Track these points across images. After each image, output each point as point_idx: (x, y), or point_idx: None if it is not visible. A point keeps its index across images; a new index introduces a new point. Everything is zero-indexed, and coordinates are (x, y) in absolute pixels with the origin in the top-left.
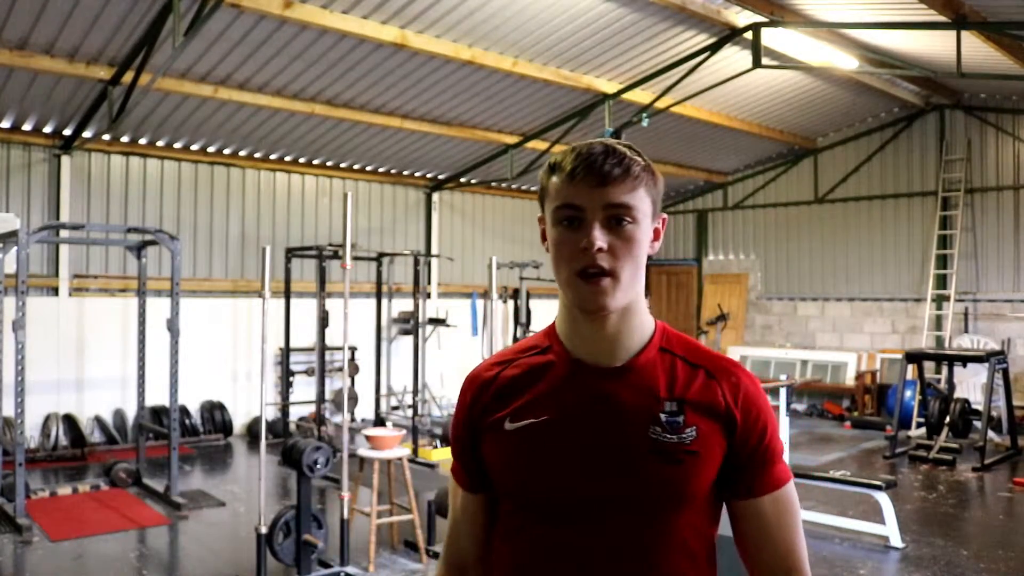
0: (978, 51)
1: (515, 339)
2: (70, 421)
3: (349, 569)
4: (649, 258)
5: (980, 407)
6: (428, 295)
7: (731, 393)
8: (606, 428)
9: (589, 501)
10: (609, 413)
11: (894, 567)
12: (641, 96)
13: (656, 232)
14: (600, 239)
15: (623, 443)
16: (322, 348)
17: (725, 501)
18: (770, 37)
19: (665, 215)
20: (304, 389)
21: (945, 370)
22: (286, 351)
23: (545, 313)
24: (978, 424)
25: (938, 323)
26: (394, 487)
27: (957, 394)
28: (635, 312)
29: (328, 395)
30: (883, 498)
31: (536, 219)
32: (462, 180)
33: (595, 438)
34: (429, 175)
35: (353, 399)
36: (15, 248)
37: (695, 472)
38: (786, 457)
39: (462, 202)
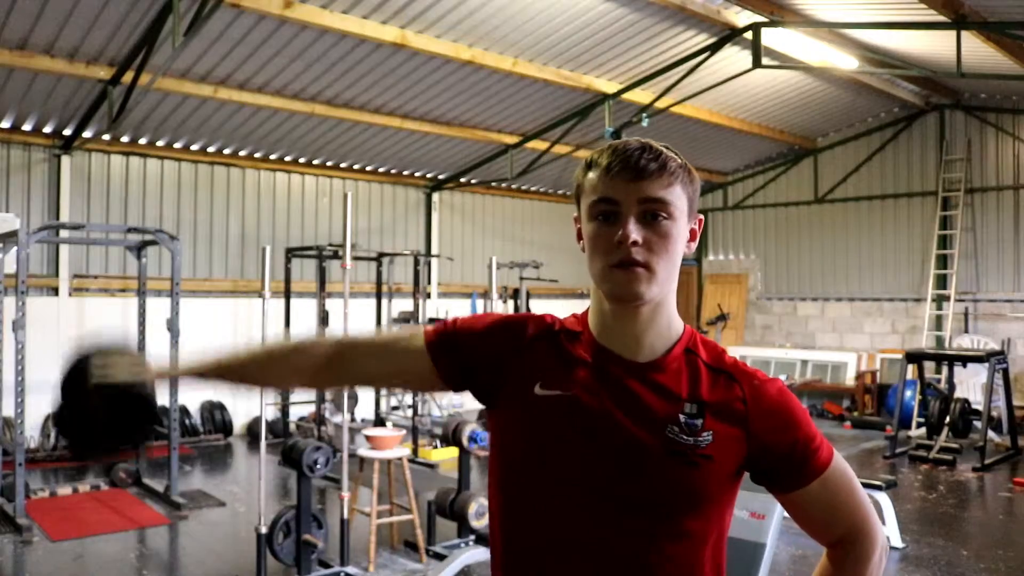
0: (978, 51)
1: None
2: None
3: (349, 569)
4: (685, 258)
5: (980, 407)
6: (428, 295)
7: (752, 399)
8: (625, 422)
9: (599, 494)
10: (630, 407)
11: (894, 567)
12: (641, 96)
13: (692, 232)
14: (635, 232)
15: (640, 440)
16: None
17: (773, 495)
18: (770, 37)
19: (702, 216)
20: None
21: (945, 370)
22: None
23: None
24: (978, 424)
25: (938, 323)
26: (394, 487)
27: (957, 394)
28: (665, 312)
29: (328, 395)
30: (883, 498)
31: (572, 218)
32: (462, 180)
33: (613, 430)
34: (429, 175)
35: (353, 399)
36: (15, 248)
37: (708, 476)
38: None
39: (462, 202)
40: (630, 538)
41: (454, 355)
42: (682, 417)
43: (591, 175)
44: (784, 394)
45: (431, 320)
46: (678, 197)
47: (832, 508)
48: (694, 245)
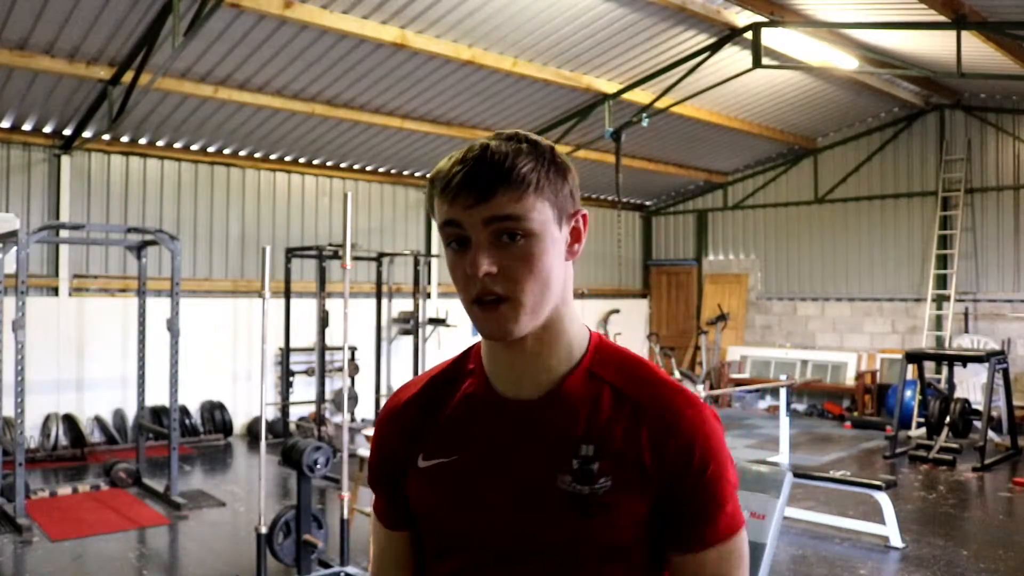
0: (978, 51)
1: None
2: (70, 421)
3: (349, 569)
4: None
5: (980, 407)
6: (428, 295)
7: (659, 435)
8: (515, 473)
9: (500, 553)
10: (520, 455)
11: (894, 567)
12: (641, 96)
13: (575, 233)
14: (486, 262)
15: (531, 491)
16: (322, 348)
17: (669, 558)
18: (770, 37)
19: (584, 211)
20: (304, 389)
21: (945, 370)
22: (286, 351)
23: None
24: (978, 424)
25: (938, 323)
26: None
27: (957, 394)
28: (558, 330)
29: (328, 395)
30: (883, 498)
31: None
32: None
33: (503, 483)
34: (429, 175)
35: (353, 399)
36: (15, 248)
37: (609, 526)
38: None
39: None
40: None
41: (390, 495)
42: (575, 463)
43: (436, 193)
44: (702, 422)
45: (432, 320)
46: (535, 208)
47: None
48: (580, 247)
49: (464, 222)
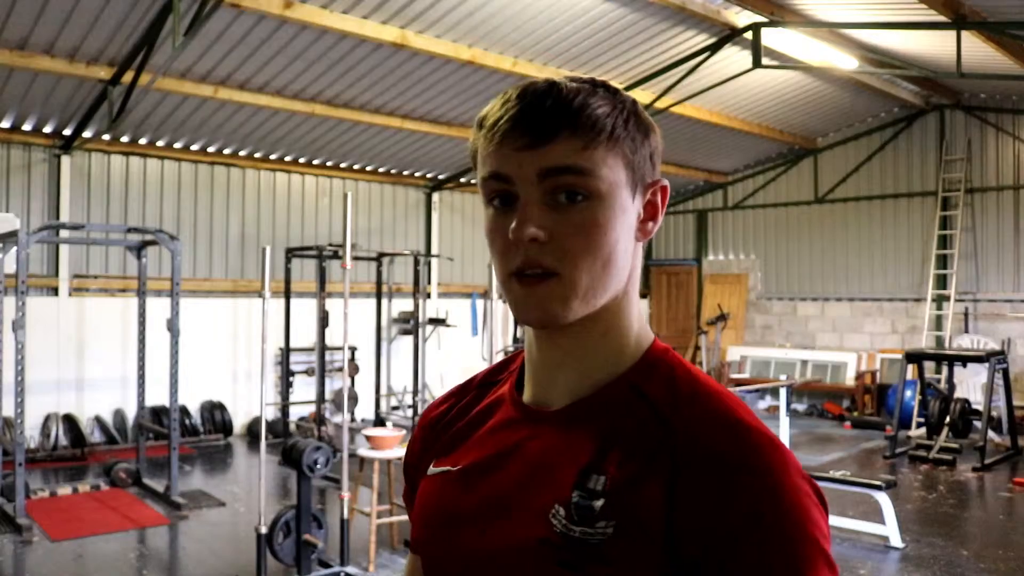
0: (978, 51)
1: (515, 339)
2: (70, 421)
3: (349, 569)
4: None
5: (980, 407)
6: (428, 295)
7: (696, 486)
8: (503, 498)
9: None
10: (516, 476)
11: (894, 567)
12: (641, 96)
13: (650, 209)
14: (534, 226)
15: (514, 524)
16: (322, 348)
17: None
18: (770, 37)
19: (665, 182)
20: (304, 389)
21: (945, 370)
22: (286, 351)
23: None
24: (978, 424)
25: (938, 323)
26: (394, 487)
27: (957, 394)
28: (610, 326)
29: (328, 395)
30: (883, 498)
31: None
32: (462, 180)
33: (486, 506)
34: (429, 175)
35: (353, 399)
36: (15, 248)
37: None
38: None
39: (462, 202)
40: None
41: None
42: (576, 495)
43: (482, 136)
44: (770, 500)
45: (432, 320)
46: (606, 163)
47: None
48: (656, 225)
49: (512, 172)
